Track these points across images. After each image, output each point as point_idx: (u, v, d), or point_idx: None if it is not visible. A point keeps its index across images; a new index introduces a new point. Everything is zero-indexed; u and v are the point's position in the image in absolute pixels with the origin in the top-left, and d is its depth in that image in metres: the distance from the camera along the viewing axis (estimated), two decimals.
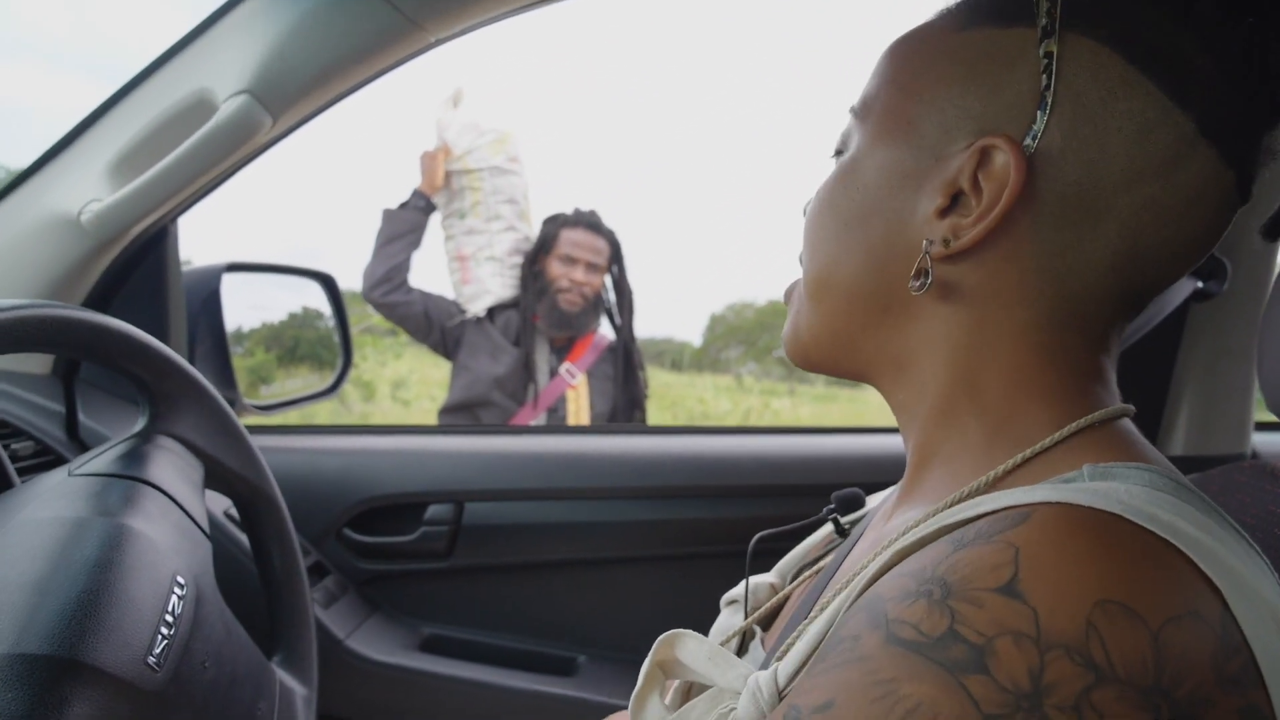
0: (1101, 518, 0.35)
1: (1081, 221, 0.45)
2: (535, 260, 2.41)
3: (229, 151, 1.00)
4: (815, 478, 1.32)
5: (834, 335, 0.54)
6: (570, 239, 2.39)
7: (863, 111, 0.52)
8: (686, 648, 0.50)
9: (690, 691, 0.58)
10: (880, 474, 1.27)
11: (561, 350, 2.43)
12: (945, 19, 0.50)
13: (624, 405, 2.46)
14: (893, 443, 1.40)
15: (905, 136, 0.49)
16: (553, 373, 2.37)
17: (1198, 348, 1.10)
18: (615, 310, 2.51)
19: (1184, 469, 0.72)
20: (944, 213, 0.47)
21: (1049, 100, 0.44)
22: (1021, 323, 0.47)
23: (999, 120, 0.45)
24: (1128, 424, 0.47)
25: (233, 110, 0.97)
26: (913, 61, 0.50)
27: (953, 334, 0.48)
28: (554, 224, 2.43)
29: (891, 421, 0.57)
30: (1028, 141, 0.44)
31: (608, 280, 2.49)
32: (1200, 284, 1.01)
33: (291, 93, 0.98)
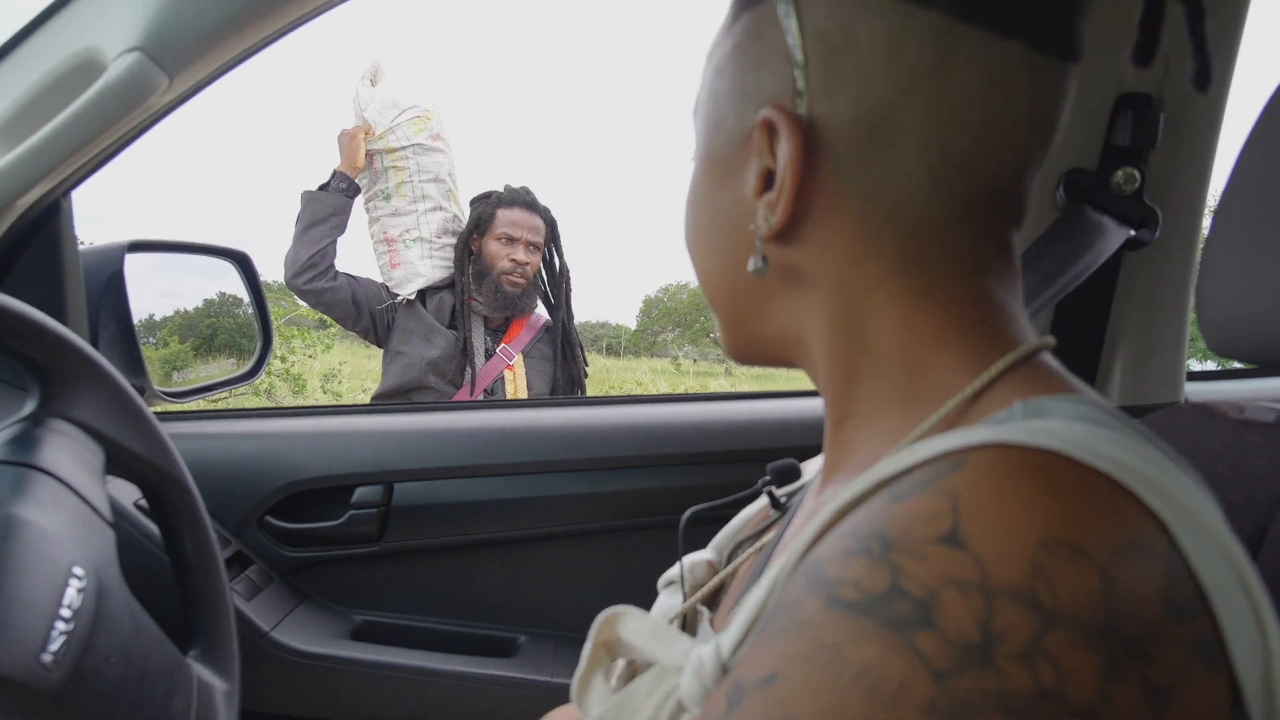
0: (1039, 456, 0.34)
1: (879, 153, 0.44)
2: (469, 240, 2.35)
3: (120, 115, 0.93)
4: (754, 443, 1.30)
5: (739, 334, 0.55)
6: (509, 218, 2.34)
7: (695, 132, 0.54)
8: (628, 625, 0.49)
9: (635, 670, 0.56)
10: (820, 436, 1.26)
11: (497, 331, 2.39)
12: (724, 18, 0.51)
13: (564, 385, 2.43)
14: None
15: (717, 134, 0.50)
16: (489, 354, 2.33)
17: (1131, 297, 1.10)
18: (551, 290, 2.47)
19: None
20: (762, 194, 0.47)
21: (799, 55, 0.44)
22: (878, 272, 0.46)
23: (772, 90, 0.46)
24: (1050, 359, 0.46)
25: (123, 69, 0.90)
26: (710, 64, 0.51)
27: (821, 301, 0.48)
28: (488, 203, 2.38)
29: None
30: (800, 101, 0.44)
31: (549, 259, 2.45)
32: (1133, 232, 1.01)
33: (189, 49, 0.91)
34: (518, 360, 2.36)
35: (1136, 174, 1.00)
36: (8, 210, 1.03)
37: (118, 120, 0.94)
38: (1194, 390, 1.16)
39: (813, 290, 0.48)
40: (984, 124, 0.43)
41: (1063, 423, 0.37)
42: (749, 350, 0.56)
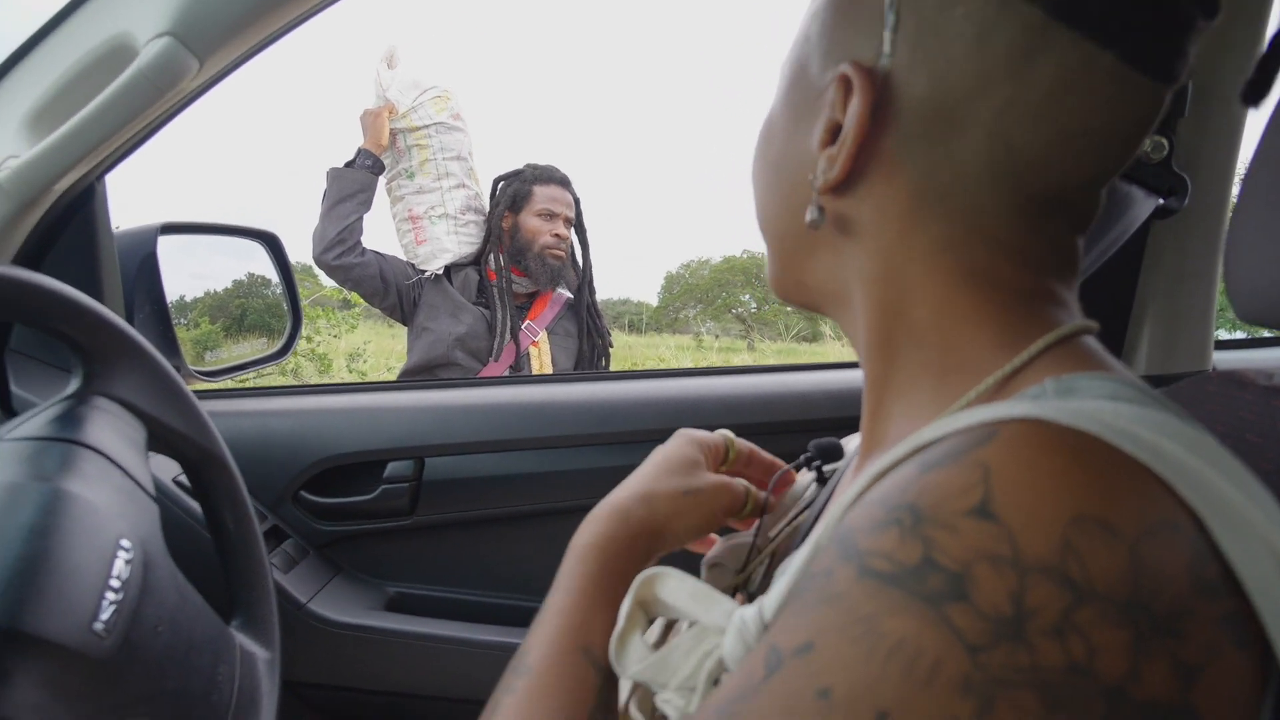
0: (1071, 434, 0.34)
1: (944, 135, 0.43)
2: (503, 217, 2.38)
3: (153, 99, 0.94)
4: (780, 415, 1.31)
5: (785, 274, 0.56)
6: (547, 194, 2.39)
7: (783, 65, 0.54)
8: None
9: (671, 630, 0.57)
10: (847, 408, 1.27)
11: (521, 308, 2.41)
12: None
13: (589, 359, 2.45)
14: (856, 376, 1.39)
15: (800, 80, 0.50)
16: (514, 331, 2.34)
17: (1160, 266, 1.10)
18: (574, 266, 2.50)
19: (1152, 385, 0.72)
20: (826, 147, 0.47)
21: (891, 18, 0.43)
22: (923, 246, 0.46)
23: (856, 47, 0.46)
24: (1091, 340, 0.46)
25: (155, 54, 0.92)
26: (810, 8, 0.51)
27: (866, 265, 0.48)
28: (521, 180, 2.41)
29: (851, 357, 0.58)
30: (882, 63, 0.44)
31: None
32: (1161, 201, 1.00)
33: (218, 33, 0.93)
34: (542, 336, 2.39)
35: (1165, 142, 0.99)
36: (45, 195, 1.05)
37: (150, 104, 0.95)
38: (1222, 359, 1.15)
39: (860, 250, 0.48)
40: (1056, 130, 0.42)
41: (1095, 401, 0.37)
42: (792, 291, 0.57)
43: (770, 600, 0.41)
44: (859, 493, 0.39)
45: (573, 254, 2.49)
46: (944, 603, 0.31)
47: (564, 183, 2.42)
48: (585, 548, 0.58)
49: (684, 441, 0.66)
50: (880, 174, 0.46)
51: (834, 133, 0.47)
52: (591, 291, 2.51)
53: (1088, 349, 0.45)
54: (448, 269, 2.38)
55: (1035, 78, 0.41)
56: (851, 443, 0.70)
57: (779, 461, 0.71)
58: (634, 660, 0.48)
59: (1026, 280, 0.46)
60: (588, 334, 2.47)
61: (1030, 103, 0.41)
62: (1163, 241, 1.09)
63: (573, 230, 2.46)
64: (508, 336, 2.32)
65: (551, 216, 2.37)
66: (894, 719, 0.30)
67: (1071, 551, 0.31)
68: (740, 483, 0.64)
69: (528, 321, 2.38)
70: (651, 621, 0.52)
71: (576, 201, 2.45)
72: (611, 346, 2.57)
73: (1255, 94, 0.46)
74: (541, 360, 2.37)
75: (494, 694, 0.53)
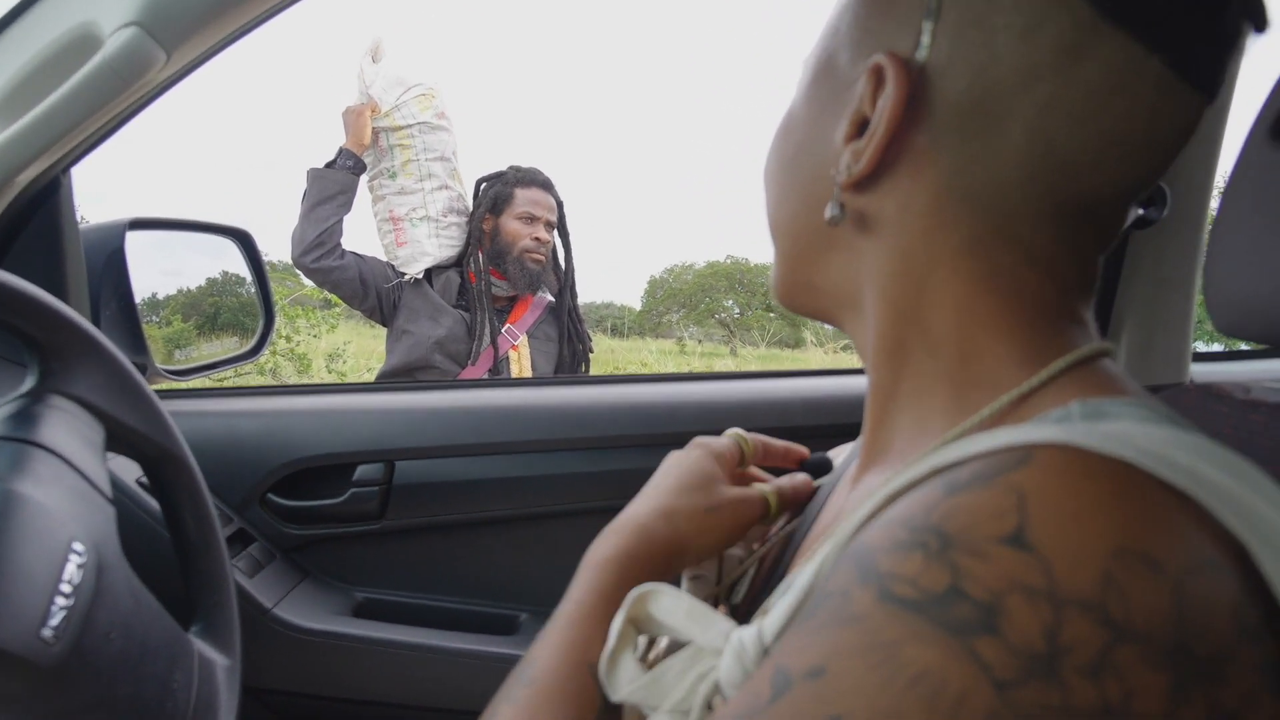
0: (1109, 461, 0.33)
1: (982, 131, 0.42)
2: (484, 219, 2.36)
3: (118, 90, 0.92)
4: (758, 422, 1.29)
5: (793, 277, 0.54)
6: (529, 197, 2.37)
7: (806, 58, 0.52)
8: (662, 603, 0.47)
9: (662, 648, 0.55)
10: (822, 416, 1.26)
11: (502, 311, 2.40)
12: None
13: (569, 364, 2.44)
14: (834, 385, 1.38)
15: (826, 72, 0.49)
16: (494, 334, 2.33)
17: (1138, 276, 1.10)
18: (555, 270, 2.49)
19: None
20: (852, 141, 0.46)
21: (934, 7, 0.42)
22: (947, 249, 0.44)
23: (892, 38, 0.44)
24: (1109, 363, 0.45)
25: (120, 44, 0.89)
26: (841, 2, 0.50)
27: (883, 265, 0.47)
28: (504, 182, 2.39)
29: (832, 364, 0.57)
30: (918, 55, 0.42)
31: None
32: (1140, 211, 1.00)
33: (186, 23, 0.91)
34: (522, 340, 2.37)
35: None
36: (7, 187, 1.02)
37: (116, 96, 0.93)
38: (1200, 371, 1.15)
39: (878, 250, 0.47)
40: (1097, 132, 0.41)
41: (1128, 425, 0.36)
42: (800, 295, 0.55)
43: (771, 622, 0.40)
44: (873, 510, 0.38)
45: (555, 257, 2.47)
46: (971, 634, 0.29)
47: (546, 186, 2.40)
48: (603, 561, 0.55)
49: (701, 454, 0.63)
50: (908, 170, 0.44)
51: (860, 126, 0.45)
52: (573, 296, 2.50)
53: (1110, 372, 0.43)
54: (429, 271, 2.36)
55: (1082, 76, 0.40)
56: (840, 454, 0.69)
57: (793, 445, 0.69)
58: (625, 680, 0.46)
59: (1050, 293, 0.44)
60: (568, 339, 2.45)
61: (1074, 102, 0.40)
62: (1141, 252, 1.09)
63: (555, 234, 2.44)
64: (486, 340, 2.30)
65: (532, 220, 2.35)
66: None
67: (1113, 587, 0.29)
68: (758, 493, 0.62)
69: (508, 325, 2.37)
70: (649, 640, 0.50)
71: (559, 205, 2.43)
72: (591, 352, 2.55)
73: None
74: (521, 364, 2.36)
75: (494, 700, 0.50)
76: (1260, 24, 0.42)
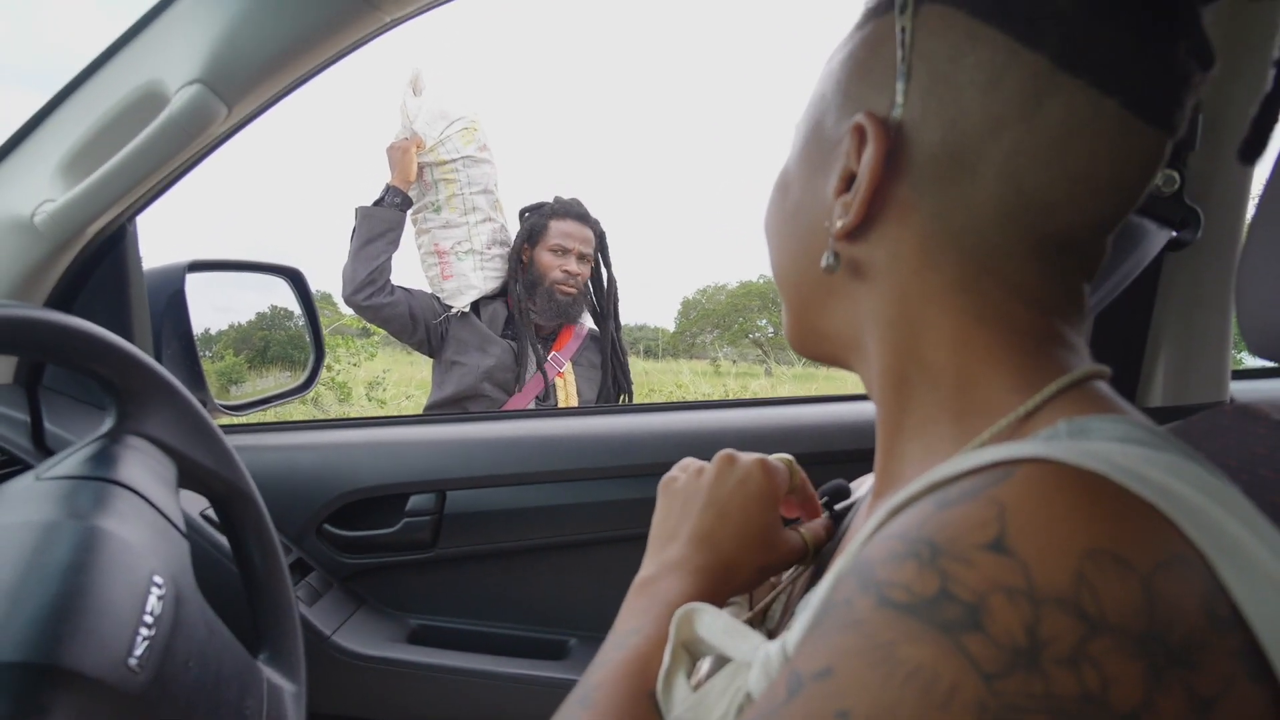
0: (1082, 474, 0.35)
1: (957, 178, 0.45)
2: (521, 251, 2.39)
3: (184, 144, 0.98)
4: (797, 447, 1.31)
5: (801, 324, 0.57)
6: (561, 229, 2.38)
7: (798, 123, 0.56)
8: (704, 621, 0.51)
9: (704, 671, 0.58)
10: (862, 440, 1.27)
11: (547, 340, 2.43)
12: (852, 26, 0.53)
13: (611, 393, 2.46)
14: (873, 409, 1.39)
15: (816, 134, 0.53)
16: (539, 362, 2.36)
17: (1173, 298, 1.10)
18: (598, 300, 2.50)
19: (1166, 417, 0.72)
20: (841, 195, 0.49)
21: (904, 70, 0.46)
22: (937, 288, 0.47)
23: (871, 99, 0.48)
24: (1103, 385, 0.47)
25: (185, 101, 0.95)
26: (826, 67, 0.54)
27: (881, 308, 0.50)
28: (540, 214, 2.41)
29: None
30: (894, 113, 0.46)
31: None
32: (1174, 233, 1.01)
33: (246, 80, 0.96)
34: (567, 368, 2.40)
35: (1176, 175, 1.00)
36: (78, 236, 1.08)
37: (181, 149, 0.99)
38: (1241, 390, 1.15)
39: (874, 294, 0.50)
40: (1064, 173, 0.44)
41: (1106, 444, 0.38)
42: (808, 342, 0.58)
43: (794, 635, 0.42)
44: (876, 526, 0.40)
45: (597, 285, 2.49)
46: (960, 632, 0.32)
47: (581, 217, 2.41)
48: (670, 600, 0.57)
49: (765, 490, 0.63)
50: (894, 218, 0.48)
51: (849, 181, 0.49)
52: (617, 327, 2.50)
53: (1100, 392, 0.46)
54: (476, 303, 2.39)
55: (1044, 122, 0.43)
56: (865, 483, 0.71)
57: (815, 497, 0.71)
58: (678, 701, 0.49)
59: (1039, 322, 0.47)
60: (611, 370, 2.46)
61: (1039, 146, 0.43)
62: (1176, 274, 1.10)
63: (596, 263, 2.46)
64: (530, 368, 2.33)
65: (563, 252, 2.37)
66: None
67: (1085, 584, 0.32)
68: (801, 539, 0.64)
69: (553, 353, 2.39)
70: (694, 661, 0.53)
71: (599, 236, 2.45)
72: (630, 385, 2.55)
73: (1251, 152, 0.48)
74: (567, 391, 2.38)
75: (555, 718, 0.53)
76: (1205, 63, 0.45)
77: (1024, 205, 0.45)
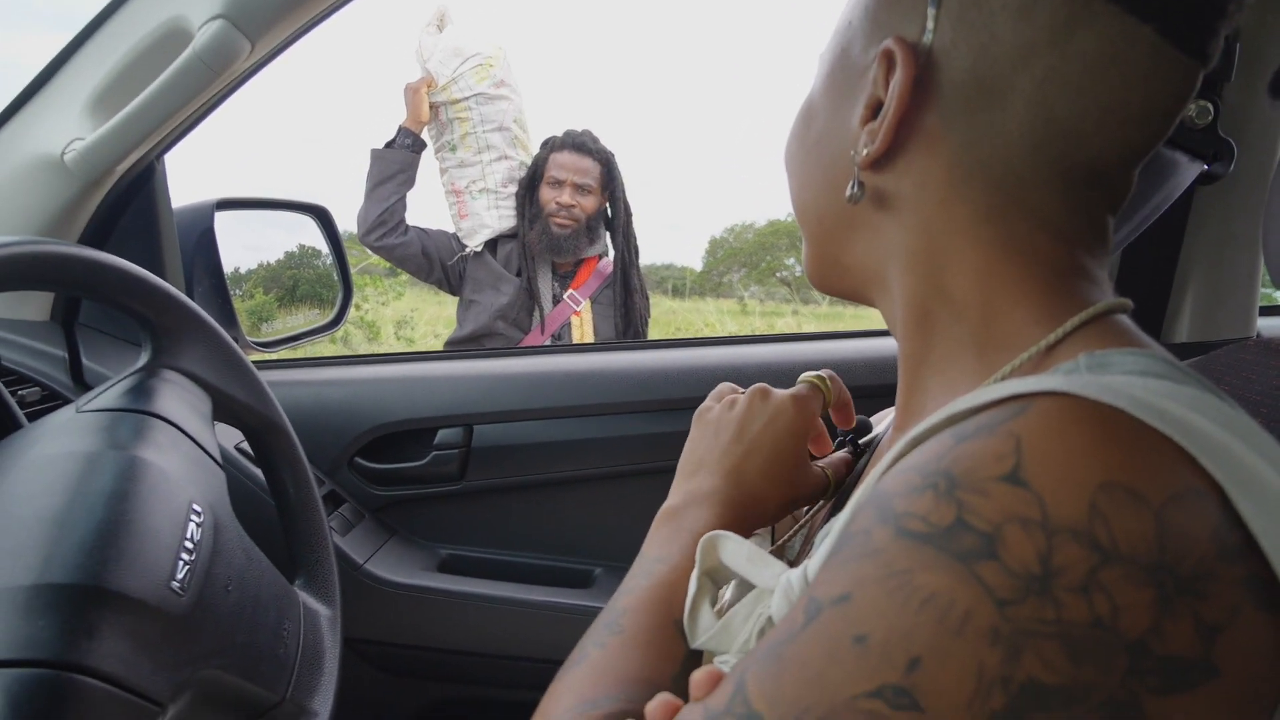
0: (1099, 408, 0.35)
1: (987, 106, 0.45)
2: (530, 187, 2.38)
3: (208, 81, 0.98)
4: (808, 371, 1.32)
5: (822, 258, 0.57)
6: (558, 161, 2.36)
7: (822, 53, 0.55)
8: (727, 549, 0.52)
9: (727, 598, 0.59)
10: (884, 375, 1.28)
11: (566, 277, 2.42)
12: None
13: (623, 329, 2.45)
14: (894, 345, 1.39)
15: (841, 63, 0.52)
16: (556, 299, 2.37)
17: (1203, 232, 1.09)
18: (610, 233, 2.48)
19: (1190, 353, 0.72)
20: (868, 123, 0.48)
21: None
22: (964, 219, 0.47)
23: (900, 25, 0.47)
24: (1124, 318, 0.47)
25: (209, 37, 0.95)
26: (850, 1, 0.53)
27: (906, 240, 0.50)
28: (545, 148, 2.40)
29: None
30: (924, 39, 0.45)
31: (608, 203, 2.45)
32: (1206, 167, 0.99)
33: (269, 15, 0.96)
34: (585, 305, 2.39)
35: (1210, 107, 0.98)
36: (108, 175, 1.09)
37: (206, 86, 0.99)
38: (1267, 325, 1.14)
39: (899, 226, 0.50)
40: (1095, 102, 0.43)
41: (1125, 377, 0.39)
42: (830, 276, 0.58)
43: (814, 563, 0.43)
44: (895, 457, 0.41)
45: (608, 219, 2.46)
46: (975, 560, 0.33)
47: (579, 148, 2.37)
48: (691, 525, 0.59)
49: (795, 423, 0.63)
50: (921, 147, 0.47)
51: (875, 109, 0.48)
52: (629, 259, 2.45)
53: (1122, 325, 0.46)
54: (493, 241, 2.39)
55: (1076, 49, 0.43)
56: (885, 417, 0.71)
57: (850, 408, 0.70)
58: (703, 629, 0.50)
59: (1063, 255, 0.47)
60: (622, 305, 2.43)
61: (1071, 74, 0.43)
62: (1207, 208, 1.08)
63: (600, 196, 2.41)
64: (549, 306, 2.34)
65: (558, 184, 2.34)
66: (925, 664, 0.32)
67: (1098, 515, 0.32)
68: (823, 474, 0.65)
69: (571, 290, 2.39)
70: (719, 589, 0.54)
71: (605, 165, 2.39)
72: (649, 320, 2.52)
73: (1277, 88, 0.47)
74: (583, 330, 2.38)
75: (581, 644, 0.55)
76: None
77: (1053, 135, 0.44)
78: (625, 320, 2.45)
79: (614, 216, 2.46)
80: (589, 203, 2.37)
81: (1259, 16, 0.99)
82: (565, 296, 2.38)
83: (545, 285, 2.37)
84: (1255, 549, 0.33)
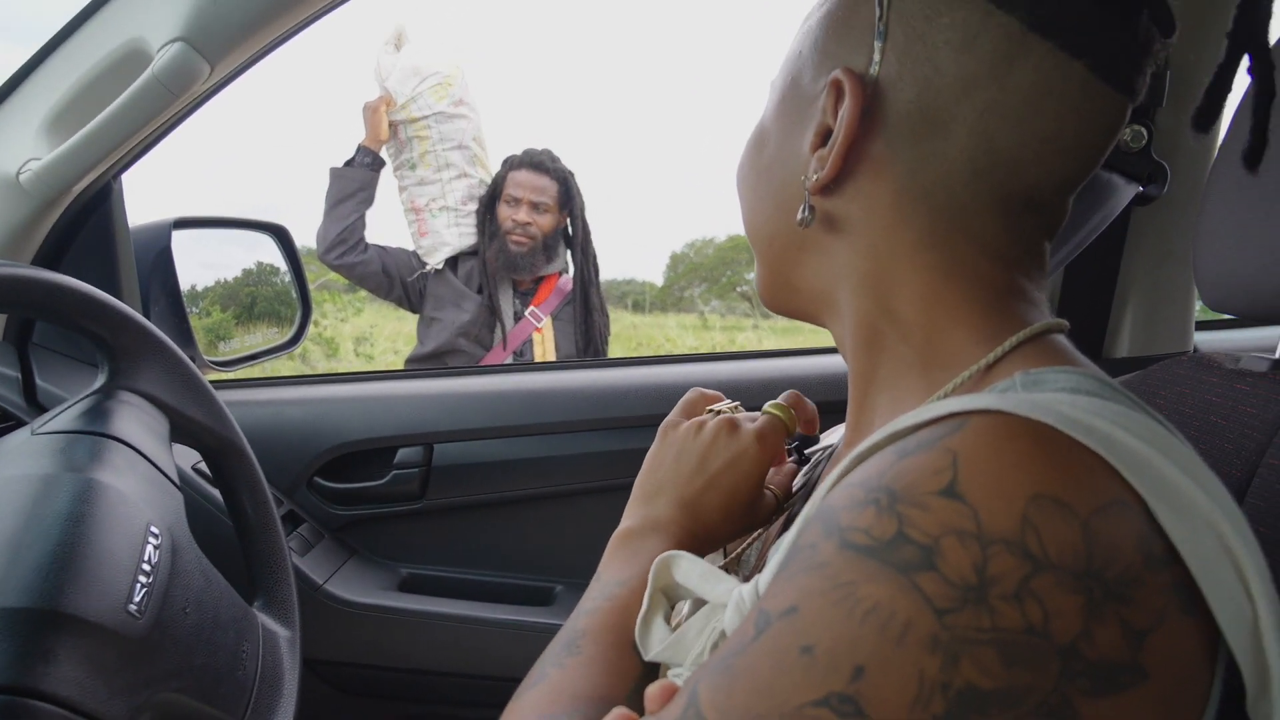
0: (1029, 424, 0.37)
1: (930, 135, 0.47)
2: (490, 205, 2.39)
3: (167, 102, 0.98)
4: (775, 398, 1.35)
5: (774, 279, 0.59)
6: (515, 179, 2.38)
7: (773, 81, 0.58)
8: (681, 568, 0.53)
9: (684, 614, 0.61)
10: (834, 392, 1.30)
11: (527, 294, 2.43)
12: None
13: (582, 346, 2.45)
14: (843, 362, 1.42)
15: (793, 90, 0.54)
16: (518, 316, 2.37)
17: (1140, 251, 1.13)
18: (570, 251, 2.48)
19: (1129, 368, 0.74)
20: (817, 149, 0.50)
21: (881, 29, 0.47)
22: (908, 243, 0.49)
23: (848, 56, 0.49)
24: (1060, 338, 0.49)
25: (168, 59, 0.95)
26: (803, 27, 0.55)
27: (854, 262, 0.52)
28: (504, 167, 2.42)
29: None
30: (871, 70, 0.48)
31: (568, 220, 2.45)
32: (1141, 188, 1.03)
33: (228, 38, 0.96)
34: (546, 322, 2.40)
35: (1144, 131, 1.02)
36: (64, 194, 1.09)
37: (165, 107, 0.99)
38: (1205, 340, 1.18)
39: (848, 249, 0.52)
40: (1033, 133, 0.46)
41: (1056, 395, 0.41)
42: (782, 297, 0.59)
43: (765, 577, 0.45)
44: (841, 474, 0.43)
45: (567, 237, 2.47)
46: (915, 571, 0.34)
47: (536, 166, 2.38)
48: (650, 552, 0.59)
49: (754, 467, 0.63)
50: (868, 174, 0.49)
51: (825, 136, 0.50)
52: (588, 277, 2.45)
53: (1058, 345, 0.48)
54: (454, 259, 2.40)
55: (1015, 82, 0.45)
56: (836, 432, 0.73)
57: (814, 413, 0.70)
58: (656, 641, 0.52)
59: (1002, 278, 0.49)
60: (581, 322, 2.43)
61: (1010, 105, 0.45)
62: (1143, 227, 1.12)
63: (556, 214, 2.41)
64: (510, 324, 2.35)
65: (516, 202, 2.36)
66: (870, 672, 0.33)
67: (1030, 526, 0.34)
68: (772, 498, 0.67)
69: (532, 307, 2.40)
70: (672, 605, 0.55)
71: (563, 183, 2.40)
72: (608, 338, 2.52)
73: (1205, 120, 0.50)
74: (545, 346, 2.38)
75: (539, 664, 0.56)
76: (1167, 30, 0.47)
77: (993, 163, 0.47)
78: (585, 338, 2.45)
79: (573, 234, 2.46)
80: (545, 221, 2.38)
81: (1187, 45, 1.03)
82: (527, 313, 2.38)
83: (507, 302, 2.38)
84: (1178, 557, 0.35)
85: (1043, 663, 0.33)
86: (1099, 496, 0.35)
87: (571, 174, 2.43)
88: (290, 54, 1.09)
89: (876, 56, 0.47)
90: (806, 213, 0.51)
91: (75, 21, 1.01)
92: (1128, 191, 1.02)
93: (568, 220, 2.46)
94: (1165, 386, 0.72)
